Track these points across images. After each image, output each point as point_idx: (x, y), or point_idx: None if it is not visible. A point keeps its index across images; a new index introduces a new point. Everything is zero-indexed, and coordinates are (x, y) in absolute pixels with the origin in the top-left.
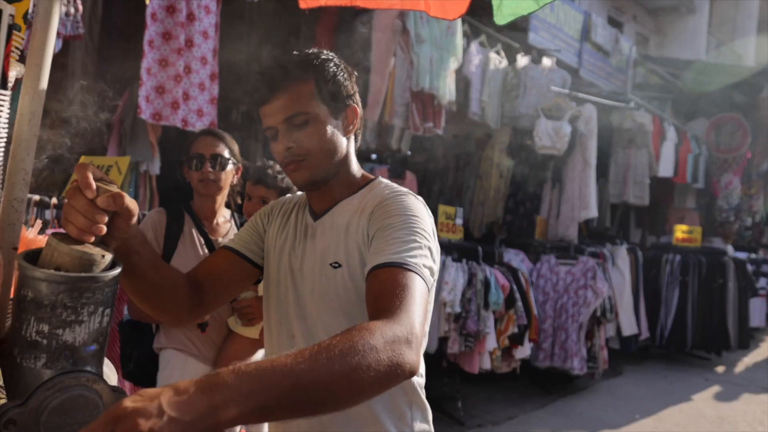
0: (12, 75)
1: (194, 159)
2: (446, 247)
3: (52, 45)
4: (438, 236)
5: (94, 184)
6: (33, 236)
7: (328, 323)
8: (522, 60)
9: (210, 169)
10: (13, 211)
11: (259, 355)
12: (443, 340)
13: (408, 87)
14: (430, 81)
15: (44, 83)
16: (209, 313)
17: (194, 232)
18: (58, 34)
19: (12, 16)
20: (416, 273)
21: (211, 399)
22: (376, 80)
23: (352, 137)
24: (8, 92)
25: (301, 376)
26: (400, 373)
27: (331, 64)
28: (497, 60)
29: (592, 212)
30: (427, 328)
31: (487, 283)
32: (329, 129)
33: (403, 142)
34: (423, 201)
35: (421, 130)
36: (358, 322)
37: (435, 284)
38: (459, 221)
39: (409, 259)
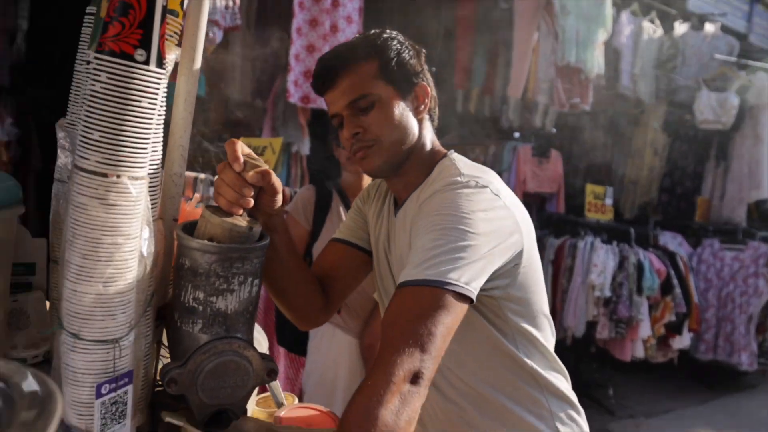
0: (170, 58)
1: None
2: (595, 228)
3: (203, 28)
4: (586, 216)
5: (242, 158)
6: (192, 209)
7: None
8: (680, 28)
9: None
10: (173, 185)
11: None
12: (591, 325)
13: (552, 62)
14: (577, 54)
15: (198, 64)
16: (334, 312)
17: (341, 209)
18: (219, 26)
19: None
20: (446, 289)
21: None
22: (519, 56)
23: (426, 117)
24: (165, 71)
25: None
26: (414, 419)
27: (395, 43)
28: (651, 29)
29: (765, 192)
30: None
31: (640, 267)
32: (397, 111)
33: (547, 119)
34: (493, 186)
35: (567, 106)
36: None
37: (484, 281)
38: (609, 201)
39: (437, 269)
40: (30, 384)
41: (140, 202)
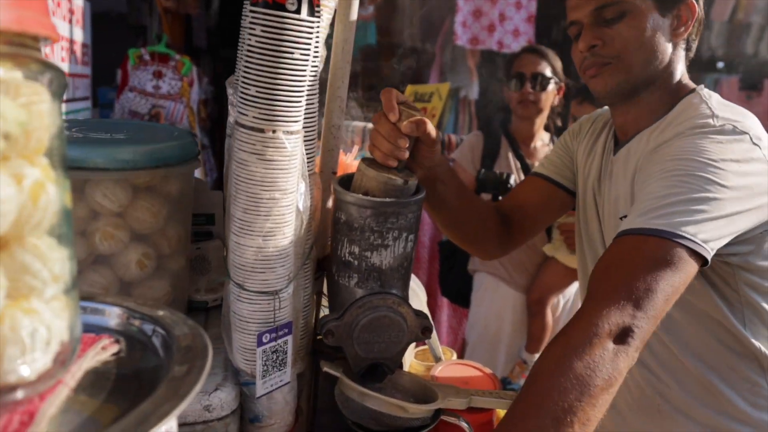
0: (329, 5)
1: (514, 78)
2: None
3: None
4: None
5: (397, 108)
6: (352, 161)
7: None
8: None
9: (530, 90)
10: (332, 137)
11: (574, 288)
12: None
13: None
14: None
15: (354, 13)
16: (520, 246)
17: (510, 155)
18: None
19: None
20: (678, 243)
21: None
22: None
23: (682, 44)
24: (317, 20)
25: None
26: (614, 383)
27: None
28: None
29: None
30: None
31: None
32: (650, 26)
33: (762, 43)
34: (753, 133)
35: None
36: None
37: (725, 243)
38: None
39: (671, 221)
40: (187, 338)
41: (296, 156)
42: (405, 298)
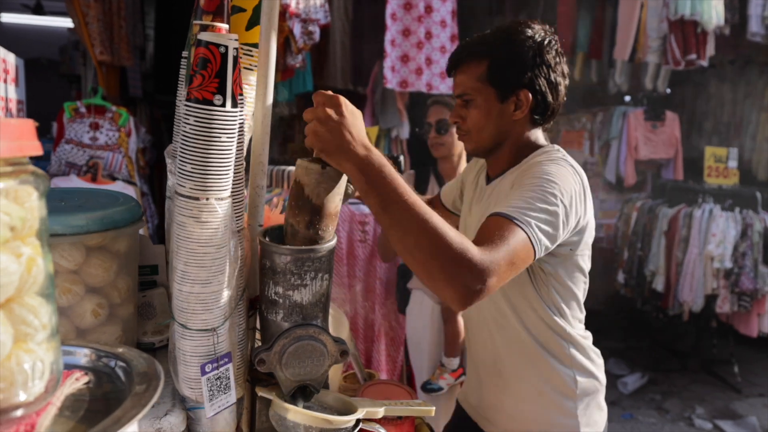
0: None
1: (425, 126)
2: (716, 194)
3: (273, 60)
4: (705, 182)
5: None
6: (275, 215)
7: None
8: None
9: (435, 134)
10: (257, 196)
11: None
12: (711, 299)
13: (665, 16)
14: (692, 7)
15: (270, 91)
16: None
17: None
18: (317, 23)
19: (236, 49)
20: (524, 230)
21: (354, 160)
22: (625, 13)
23: (527, 118)
24: (238, 109)
25: (398, 202)
26: (456, 281)
27: (519, 42)
28: None
29: None
30: (507, 277)
31: (766, 235)
32: (492, 113)
33: (659, 79)
34: (576, 168)
35: (682, 64)
36: (507, 283)
37: (549, 249)
38: (732, 164)
39: (522, 216)
40: (142, 366)
41: (226, 217)
42: (325, 328)
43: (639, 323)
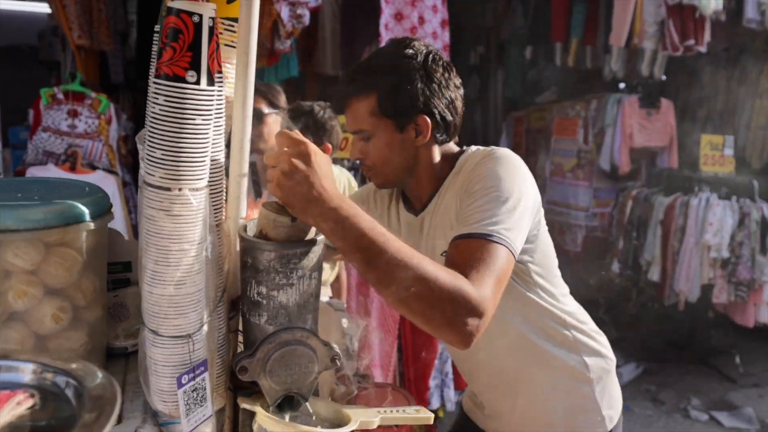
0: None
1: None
2: (712, 182)
3: (255, 34)
4: (701, 170)
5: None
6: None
7: None
8: None
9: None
10: (237, 186)
11: None
12: (707, 288)
13: (662, 1)
14: None
15: (252, 71)
16: None
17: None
18: (306, 6)
19: (213, 18)
20: (497, 242)
21: (327, 216)
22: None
23: (431, 141)
24: (215, 87)
25: (383, 254)
26: (458, 323)
27: (399, 73)
28: None
29: None
30: (498, 298)
31: (764, 224)
32: (393, 143)
33: (656, 66)
34: (514, 156)
35: (680, 50)
36: None
37: (521, 247)
38: (728, 152)
39: (491, 228)
40: (97, 388)
41: (202, 210)
42: (314, 331)
43: (634, 313)
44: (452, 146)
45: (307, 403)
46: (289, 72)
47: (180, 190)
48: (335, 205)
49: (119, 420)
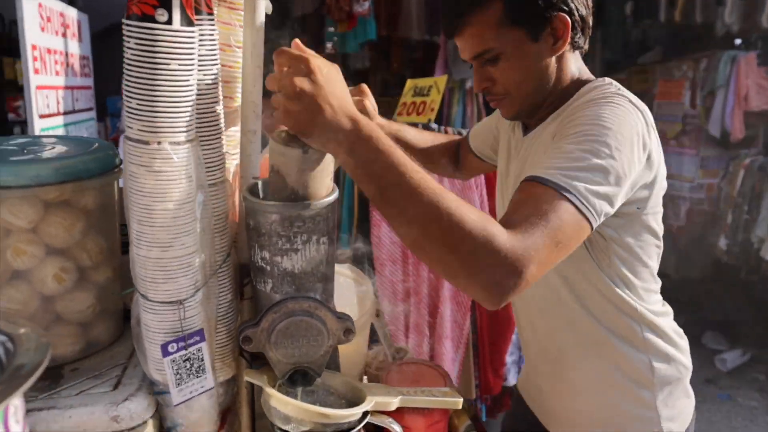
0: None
1: None
2: None
3: None
4: None
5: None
6: None
7: None
8: None
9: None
10: (249, 143)
11: None
12: None
13: None
14: None
15: (261, 17)
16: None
17: None
18: None
19: None
20: (568, 199)
21: (339, 138)
22: None
23: (568, 50)
24: (193, 30)
25: (399, 185)
26: (482, 278)
27: None
28: None
29: None
30: (552, 261)
31: None
32: (528, 58)
33: None
34: (644, 111)
35: None
36: None
37: (609, 215)
38: None
39: (566, 180)
40: (24, 355)
41: (186, 167)
42: (324, 302)
43: (742, 294)
44: (584, 68)
45: (320, 379)
46: (366, 35)
47: (159, 144)
48: (346, 125)
49: (116, 387)
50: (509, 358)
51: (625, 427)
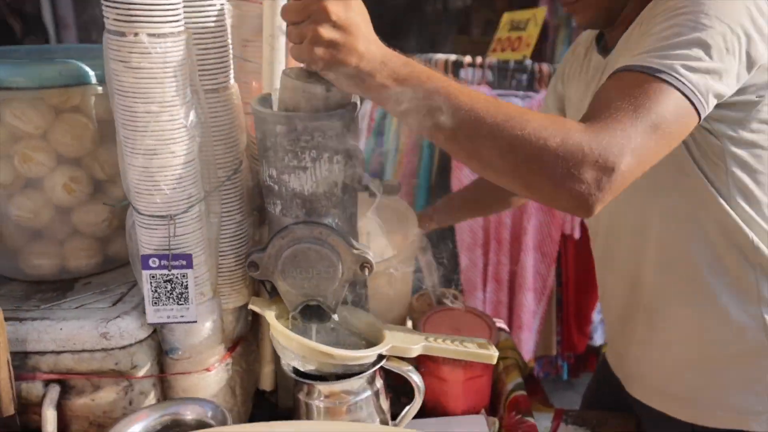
0: None
1: None
2: None
3: None
4: None
5: None
6: None
7: None
8: None
9: None
10: (270, 48)
11: None
12: None
13: None
14: None
15: None
16: None
17: None
18: None
19: None
20: (665, 80)
21: (380, 71)
22: None
23: None
24: None
25: (454, 104)
26: (567, 183)
27: None
28: None
29: None
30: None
31: None
32: None
33: None
34: None
35: None
36: None
37: (722, 98)
38: None
39: (660, 60)
40: None
41: (170, 64)
42: (339, 229)
43: None
44: None
45: (342, 316)
46: None
47: (136, 35)
48: (385, 73)
49: (114, 303)
50: (597, 316)
51: (737, 396)
